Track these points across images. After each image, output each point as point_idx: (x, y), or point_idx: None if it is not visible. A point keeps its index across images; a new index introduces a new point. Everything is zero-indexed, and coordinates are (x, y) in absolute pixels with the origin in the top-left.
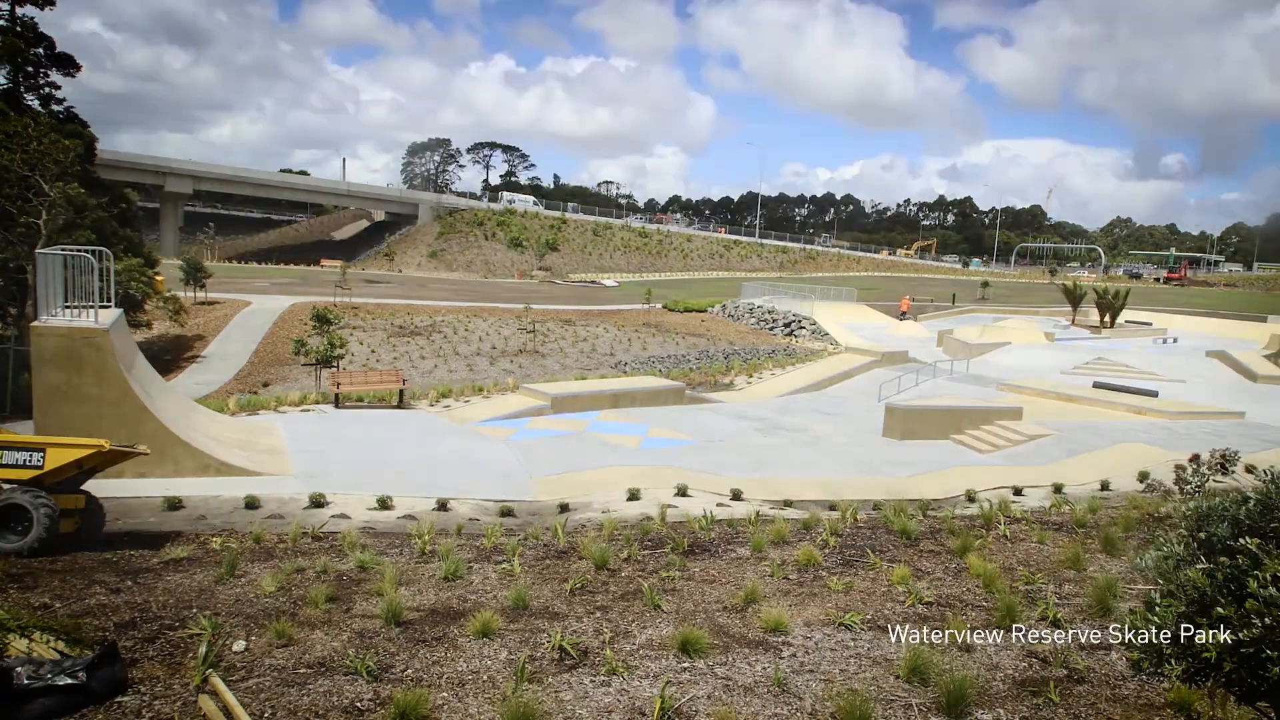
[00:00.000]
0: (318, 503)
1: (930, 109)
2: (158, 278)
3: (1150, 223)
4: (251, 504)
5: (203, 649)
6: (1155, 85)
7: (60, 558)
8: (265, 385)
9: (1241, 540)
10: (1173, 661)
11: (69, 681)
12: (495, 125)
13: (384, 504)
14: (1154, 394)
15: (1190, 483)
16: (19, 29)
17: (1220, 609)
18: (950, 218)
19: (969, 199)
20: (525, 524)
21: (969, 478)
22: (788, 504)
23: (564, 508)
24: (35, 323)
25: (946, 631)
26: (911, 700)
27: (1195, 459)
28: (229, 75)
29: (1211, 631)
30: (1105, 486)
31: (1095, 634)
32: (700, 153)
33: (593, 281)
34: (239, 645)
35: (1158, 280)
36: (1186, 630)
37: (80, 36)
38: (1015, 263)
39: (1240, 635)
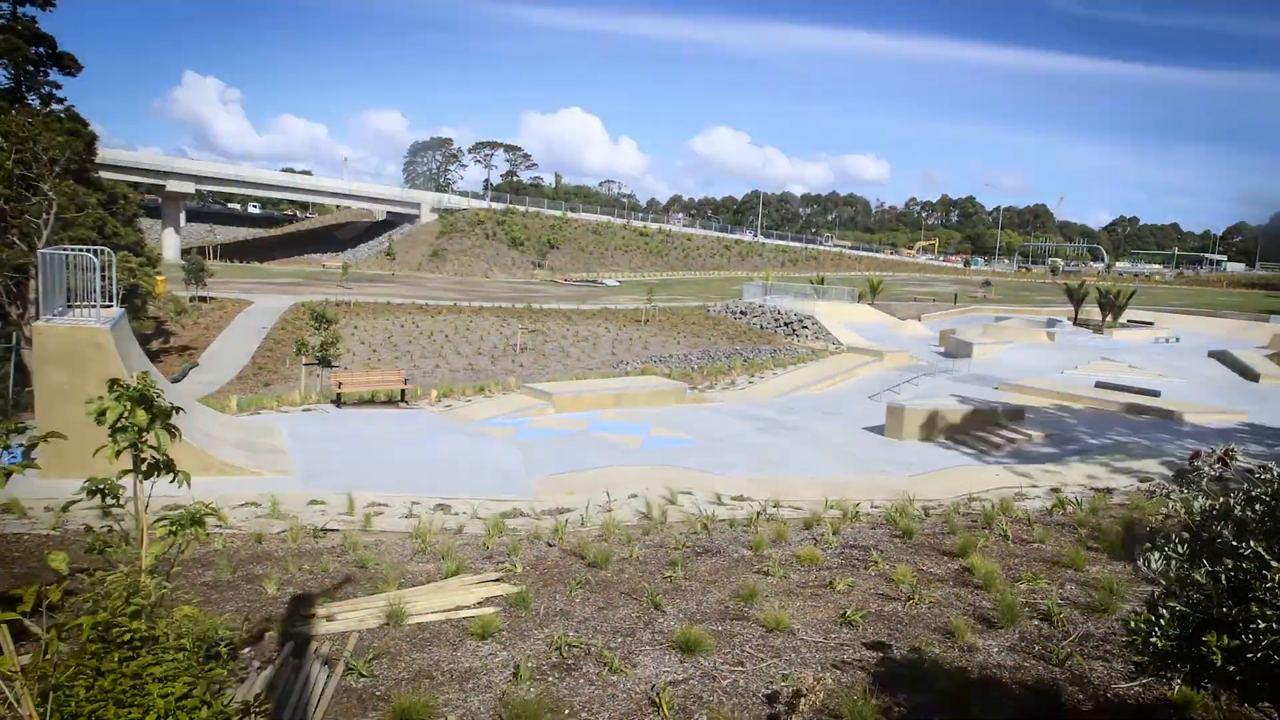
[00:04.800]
0: (319, 502)
1: None
2: (159, 278)
3: (1154, 221)
4: (252, 503)
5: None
6: None
7: None
8: (266, 385)
9: (1247, 544)
10: (1176, 664)
11: None
12: None
13: (385, 503)
14: (1156, 394)
15: (1190, 481)
16: (20, 28)
17: (1225, 612)
18: (954, 217)
19: (970, 198)
20: (527, 523)
21: (970, 477)
22: (789, 504)
23: (565, 507)
24: (37, 322)
25: (949, 631)
26: (914, 701)
27: (1196, 456)
28: None
29: (1215, 634)
30: (1107, 486)
31: (1097, 634)
32: None
33: (594, 281)
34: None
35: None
36: (1189, 632)
37: None
38: (1017, 263)
39: (1244, 639)
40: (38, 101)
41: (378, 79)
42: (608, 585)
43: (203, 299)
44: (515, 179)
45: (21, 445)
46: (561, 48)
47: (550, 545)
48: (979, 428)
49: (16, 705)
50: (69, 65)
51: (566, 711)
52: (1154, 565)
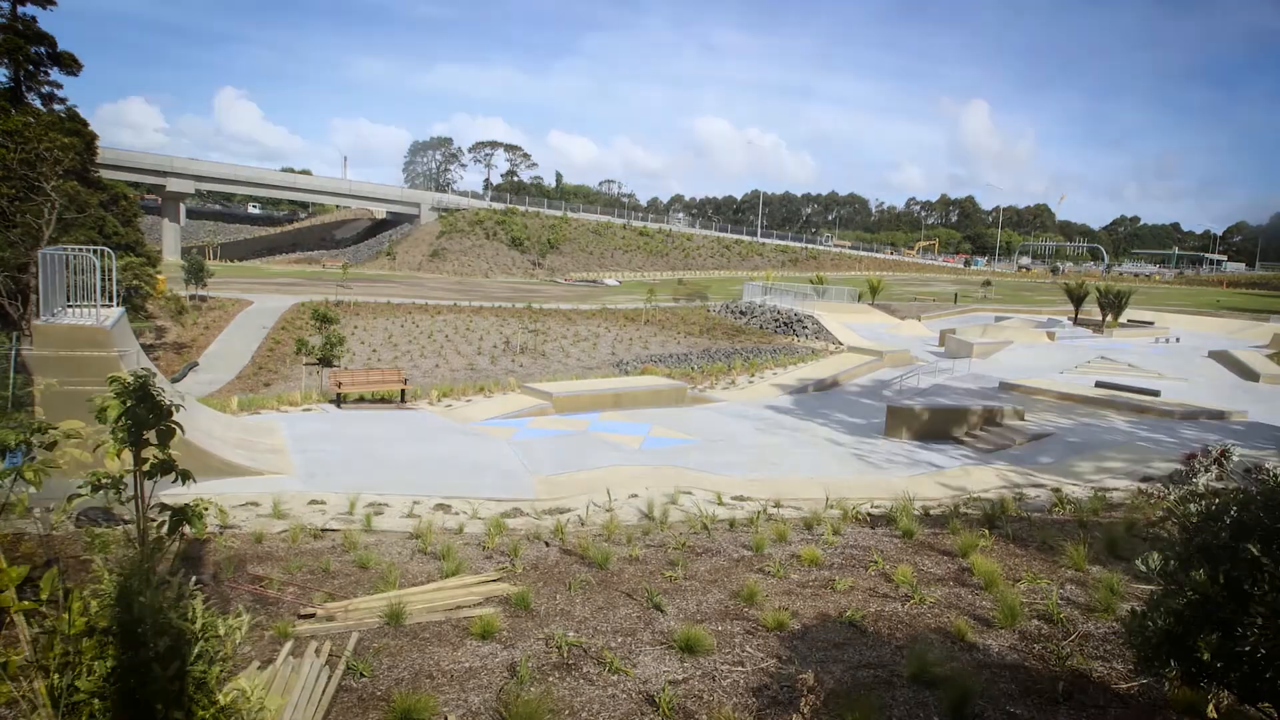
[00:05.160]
0: (319, 502)
1: None
2: (159, 277)
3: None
4: (252, 503)
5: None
6: None
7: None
8: (267, 385)
9: (1244, 545)
10: (1174, 663)
11: None
12: None
13: (385, 503)
14: (1156, 393)
15: (1186, 483)
16: (20, 27)
17: (1222, 612)
18: (953, 216)
19: (970, 198)
20: (527, 523)
21: (970, 477)
22: (790, 504)
23: (565, 507)
24: (38, 322)
25: (949, 631)
26: (916, 700)
27: (1191, 457)
28: None
29: (1213, 633)
30: (1107, 486)
31: (1097, 634)
32: None
33: (594, 280)
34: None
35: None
36: (1182, 631)
37: None
38: (1017, 264)
39: (1242, 638)
40: (38, 101)
41: None
42: (608, 585)
43: (203, 298)
44: (515, 179)
45: (25, 446)
46: None
47: (550, 545)
48: (979, 427)
49: (33, 696)
50: (69, 64)
51: (566, 711)
52: (1151, 565)
